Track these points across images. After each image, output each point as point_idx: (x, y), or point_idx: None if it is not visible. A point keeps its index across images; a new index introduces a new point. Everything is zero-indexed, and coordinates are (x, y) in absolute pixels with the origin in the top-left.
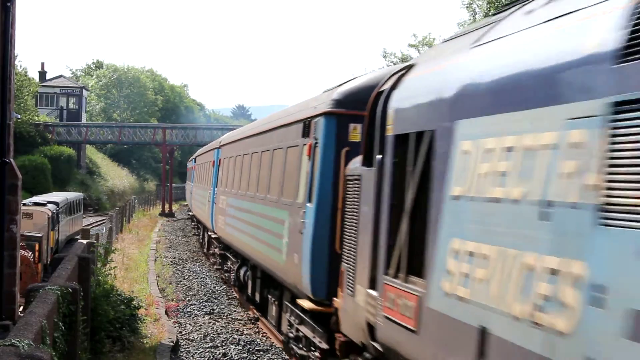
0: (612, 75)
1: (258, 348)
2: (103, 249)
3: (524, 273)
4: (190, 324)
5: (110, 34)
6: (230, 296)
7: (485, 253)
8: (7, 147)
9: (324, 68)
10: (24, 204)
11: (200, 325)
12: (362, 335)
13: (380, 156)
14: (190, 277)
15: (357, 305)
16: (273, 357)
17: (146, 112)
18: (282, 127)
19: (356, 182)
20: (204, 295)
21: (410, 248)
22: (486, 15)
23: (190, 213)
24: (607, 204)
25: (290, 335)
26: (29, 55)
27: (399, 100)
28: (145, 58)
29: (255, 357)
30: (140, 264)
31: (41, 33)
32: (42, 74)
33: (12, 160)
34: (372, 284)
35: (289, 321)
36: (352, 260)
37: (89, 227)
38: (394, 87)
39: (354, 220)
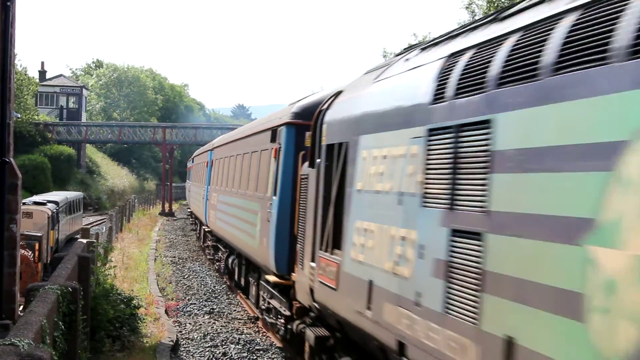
0: (429, 112)
1: (258, 347)
2: (103, 249)
3: (390, 241)
4: (190, 323)
5: (110, 33)
6: (230, 295)
7: (373, 229)
8: (7, 146)
9: (324, 67)
10: (24, 204)
11: (200, 324)
12: (308, 299)
13: (319, 160)
14: (190, 277)
15: (305, 276)
16: (273, 357)
17: (146, 111)
18: (258, 134)
19: (305, 179)
20: (204, 294)
21: (334, 229)
22: (485, 14)
23: (189, 210)
24: (425, 193)
25: (263, 307)
26: (29, 55)
27: (329, 118)
28: (145, 57)
29: (255, 357)
30: (140, 263)
31: (41, 32)
32: (42, 73)
33: (12, 159)
34: (313, 258)
35: (263, 297)
36: (303, 241)
37: (89, 226)
38: (328, 107)
39: (305, 210)
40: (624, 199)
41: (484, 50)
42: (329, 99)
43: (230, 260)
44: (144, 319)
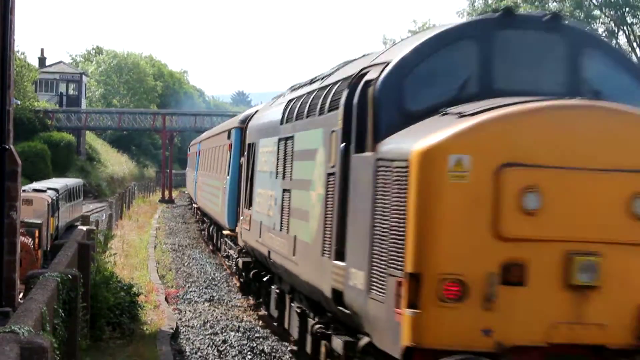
0: (280, 129)
1: (258, 335)
2: (103, 236)
3: (267, 198)
4: (190, 311)
5: (110, 19)
6: (230, 283)
7: (262, 192)
8: (6, 133)
9: (324, 53)
10: (24, 191)
11: (200, 312)
12: (241, 242)
13: (246, 152)
14: (190, 264)
15: (239, 227)
16: (273, 344)
17: (146, 98)
18: (222, 133)
19: (242, 164)
20: (204, 282)
21: (250, 194)
22: (485, 1)
23: (186, 192)
24: (277, 171)
25: (224, 255)
26: (29, 41)
27: (250, 125)
28: (145, 44)
29: (255, 344)
30: (140, 250)
31: (41, 19)
32: (42, 60)
33: (11, 146)
34: (242, 214)
35: (224, 248)
36: (239, 204)
37: (89, 213)
38: (251, 119)
39: (241, 184)
40: (315, 171)
41: (295, 101)
42: (254, 113)
43: (210, 229)
44: (144, 307)
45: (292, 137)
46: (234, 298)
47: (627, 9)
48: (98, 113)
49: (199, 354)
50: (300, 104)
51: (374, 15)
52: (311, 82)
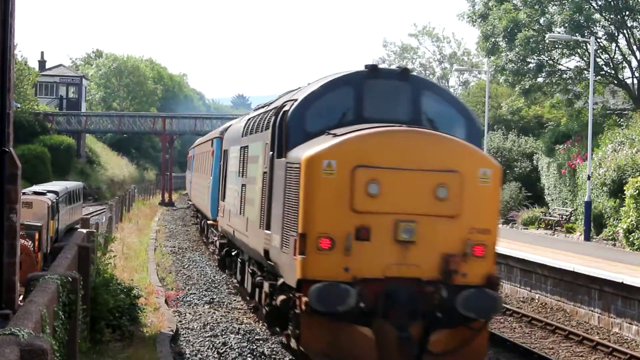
0: (242, 140)
1: (258, 337)
2: (103, 238)
3: (234, 191)
4: (190, 313)
5: (110, 23)
6: (230, 285)
7: (231, 187)
8: (6, 136)
9: (324, 57)
10: (24, 193)
11: (200, 314)
12: (220, 228)
13: (222, 157)
14: (190, 267)
15: (220, 217)
16: (273, 346)
17: (145, 101)
18: (207, 141)
19: (221, 167)
20: (204, 284)
21: (224, 189)
22: (485, 4)
23: (186, 193)
24: (239, 171)
25: (210, 242)
26: (29, 45)
27: (226, 135)
28: (145, 47)
29: (255, 346)
30: (140, 253)
31: (41, 22)
32: (42, 63)
33: (11, 149)
34: (219, 205)
35: (210, 236)
36: (218, 198)
37: (89, 216)
38: (227, 130)
39: (219, 182)
40: (258, 171)
41: (251, 120)
42: (229, 126)
43: (202, 222)
44: (144, 309)
45: (247, 147)
46: (234, 300)
47: (627, 12)
48: (98, 116)
49: (198, 356)
50: (253, 123)
51: (374, 19)
52: (264, 106)
